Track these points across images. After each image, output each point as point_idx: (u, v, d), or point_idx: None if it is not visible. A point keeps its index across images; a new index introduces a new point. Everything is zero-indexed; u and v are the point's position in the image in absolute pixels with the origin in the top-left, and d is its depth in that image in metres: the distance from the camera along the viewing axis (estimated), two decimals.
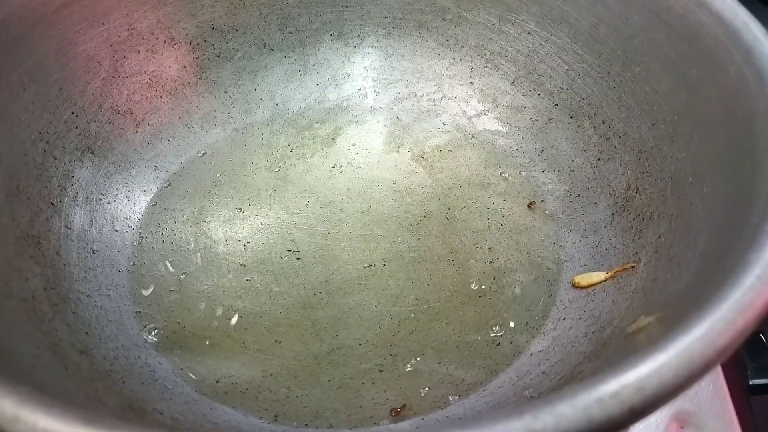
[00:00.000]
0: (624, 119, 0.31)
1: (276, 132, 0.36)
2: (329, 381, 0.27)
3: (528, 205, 0.32)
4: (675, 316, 0.20)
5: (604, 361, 0.23)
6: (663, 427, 0.29)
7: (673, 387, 0.15)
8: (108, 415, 0.15)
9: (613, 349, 0.23)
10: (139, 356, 0.26)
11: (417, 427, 0.24)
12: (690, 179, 0.26)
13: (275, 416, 0.25)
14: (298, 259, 0.31)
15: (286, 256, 0.31)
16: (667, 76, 0.29)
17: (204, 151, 0.35)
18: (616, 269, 0.27)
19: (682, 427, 0.30)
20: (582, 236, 0.30)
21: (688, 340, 0.16)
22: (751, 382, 0.32)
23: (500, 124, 0.36)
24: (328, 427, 0.25)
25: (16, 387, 0.16)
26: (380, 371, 0.27)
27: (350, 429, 0.25)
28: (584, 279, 0.28)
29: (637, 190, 0.29)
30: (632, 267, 0.27)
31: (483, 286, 0.30)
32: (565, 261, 0.30)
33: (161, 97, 0.35)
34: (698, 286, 0.21)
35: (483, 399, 0.25)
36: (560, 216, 0.32)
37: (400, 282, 0.30)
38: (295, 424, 0.25)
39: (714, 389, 0.31)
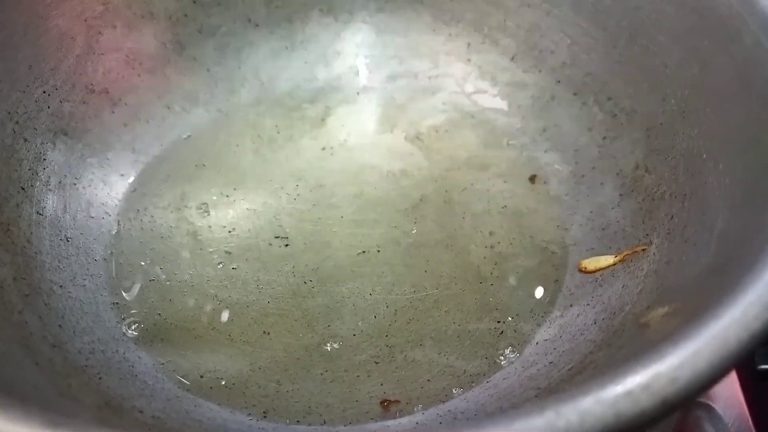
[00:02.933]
0: (631, 95, 0.29)
1: (262, 113, 0.34)
2: (322, 374, 0.25)
3: (529, 179, 0.30)
4: (694, 304, 0.19)
5: (618, 350, 0.21)
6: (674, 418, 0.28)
7: (708, 376, 0.13)
8: (78, 417, 0.14)
9: (627, 337, 0.22)
10: (117, 350, 0.25)
11: (417, 423, 0.23)
12: (704, 156, 0.25)
13: (264, 412, 0.24)
14: (286, 245, 0.29)
15: (274, 242, 0.29)
16: (677, 49, 0.27)
17: (186, 134, 0.33)
18: (625, 252, 0.26)
19: (690, 412, 0.29)
20: (588, 219, 0.29)
21: (721, 325, 0.14)
22: (759, 368, 0.31)
23: (500, 102, 0.34)
24: (321, 424, 0.23)
25: None
26: (376, 363, 0.25)
27: (345, 425, 0.23)
28: (591, 263, 0.27)
29: (647, 169, 0.27)
30: (643, 250, 0.25)
31: (484, 272, 0.28)
32: (570, 245, 0.28)
33: (139, 76, 0.33)
34: (721, 268, 0.19)
35: (487, 392, 0.24)
36: (564, 198, 0.30)
37: (396, 269, 0.29)
38: (286, 420, 0.23)
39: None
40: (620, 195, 0.28)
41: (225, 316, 0.27)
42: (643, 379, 0.13)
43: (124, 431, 0.13)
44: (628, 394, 0.13)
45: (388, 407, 0.24)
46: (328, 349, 0.26)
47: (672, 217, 0.25)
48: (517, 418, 0.13)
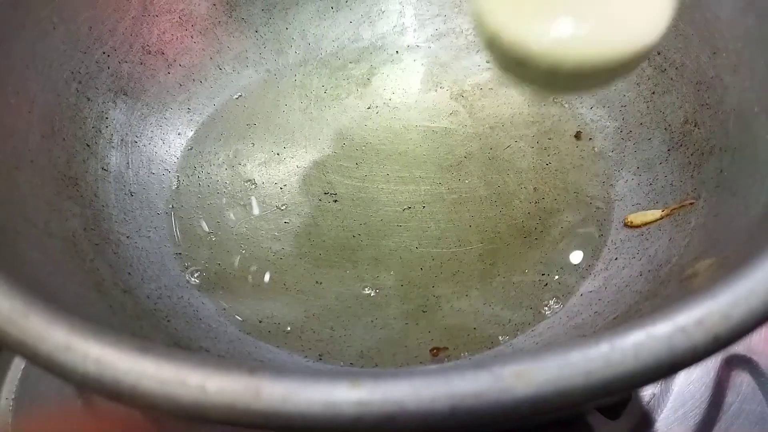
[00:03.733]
0: (681, 49, 0.29)
1: (309, 73, 0.35)
2: (372, 321, 0.26)
3: (575, 135, 0.30)
4: (743, 253, 0.19)
5: (664, 300, 0.22)
6: (715, 370, 0.28)
7: (761, 314, 0.14)
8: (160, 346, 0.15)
9: (673, 287, 0.22)
10: (182, 296, 0.26)
11: (470, 359, 0.24)
12: (756, 109, 0.24)
13: (320, 355, 0.25)
14: (335, 201, 0.30)
15: (323, 198, 0.30)
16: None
17: (237, 93, 0.34)
18: (673, 207, 0.26)
19: (732, 371, 0.29)
20: (635, 174, 0.29)
21: None
22: None
23: None
24: (373, 366, 0.25)
25: (67, 317, 0.15)
26: (423, 311, 0.27)
27: (396, 368, 0.25)
28: (638, 218, 0.27)
29: (696, 123, 0.27)
30: (691, 204, 0.25)
31: (528, 227, 0.29)
32: (616, 200, 0.29)
33: (192, 37, 0.33)
34: None
35: (532, 339, 0.25)
36: (610, 154, 0.30)
37: (441, 224, 0.29)
38: (341, 363, 0.25)
39: (765, 333, 0.30)
40: (668, 150, 0.28)
41: (279, 266, 0.28)
42: (696, 316, 0.14)
43: (197, 358, 0.14)
44: (682, 329, 0.13)
45: (437, 354, 0.25)
46: (378, 298, 0.27)
47: (721, 171, 0.25)
48: (574, 350, 0.13)
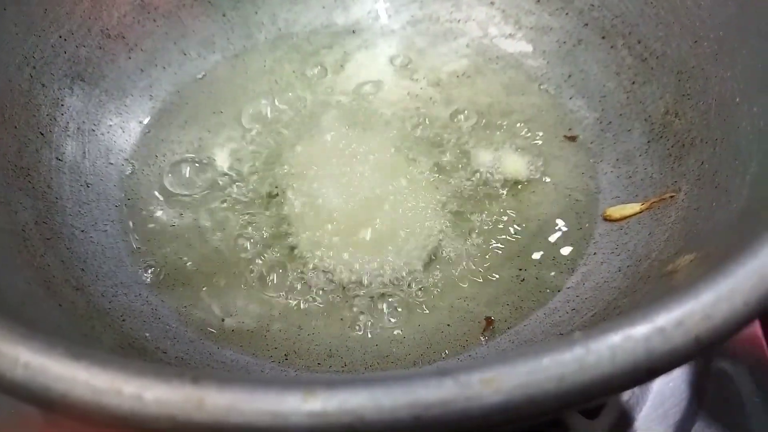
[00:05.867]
0: (662, 38, 0.28)
1: (279, 59, 0.34)
2: (342, 320, 0.25)
3: (569, 138, 0.29)
4: (725, 248, 0.18)
5: (643, 297, 0.21)
6: (694, 366, 0.28)
7: (743, 315, 0.13)
8: (99, 350, 0.14)
9: (653, 283, 0.21)
10: (140, 294, 0.25)
11: (437, 366, 0.23)
12: (737, 99, 0.24)
13: (286, 355, 0.24)
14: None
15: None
16: None
17: (202, 79, 0.33)
18: (653, 200, 0.25)
19: (712, 366, 0.28)
20: (614, 166, 0.28)
21: (759, 262, 0.14)
22: None
23: (524, 47, 0.33)
24: (342, 366, 0.23)
25: None
26: (398, 309, 0.25)
27: (365, 369, 0.24)
28: (617, 211, 0.26)
29: (677, 114, 0.27)
30: (671, 197, 0.25)
31: (505, 220, 0.28)
32: (595, 193, 0.28)
33: (154, 21, 0.32)
34: (754, 212, 0.19)
35: (508, 338, 0.24)
36: (590, 145, 0.29)
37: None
38: (308, 363, 0.23)
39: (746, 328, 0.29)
40: (648, 141, 0.27)
41: (245, 260, 0.27)
42: (676, 316, 0.13)
43: (138, 362, 0.13)
44: (660, 330, 0.12)
45: (490, 324, 0.24)
46: (350, 297, 0.26)
47: (702, 162, 0.24)
48: (546, 353, 0.12)
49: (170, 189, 0.29)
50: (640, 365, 0.12)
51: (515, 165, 0.29)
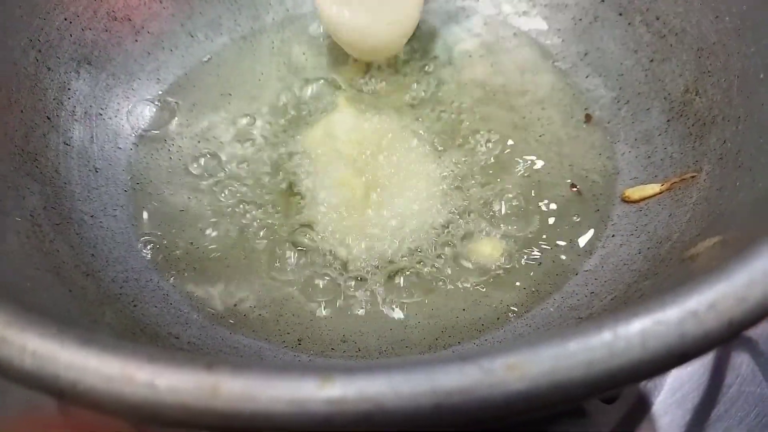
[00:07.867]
0: (681, 14, 0.27)
1: (288, 39, 0.33)
2: (354, 304, 0.25)
3: (584, 118, 0.29)
4: (751, 229, 0.17)
5: (665, 279, 0.20)
6: (713, 351, 0.27)
7: None
8: (109, 336, 0.13)
9: (674, 266, 0.21)
10: (151, 279, 0.24)
11: (453, 351, 0.23)
12: (761, 76, 0.23)
13: (299, 340, 0.23)
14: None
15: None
16: None
17: (210, 61, 0.32)
18: (673, 180, 0.24)
19: (731, 351, 0.28)
20: (632, 146, 0.27)
21: None
22: None
23: (539, 24, 0.32)
24: (356, 351, 0.23)
25: (4, 305, 0.14)
26: (413, 293, 0.25)
27: (380, 354, 0.23)
28: (636, 192, 0.25)
29: (697, 92, 0.26)
30: (692, 177, 0.24)
31: (520, 202, 0.27)
32: (613, 174, 0.27)
33: (161, 2, 0.31)
34: None
35: (525, 322, 0.23)
36: (607, 125, 0.28)
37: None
38: (321, 348, 0.23)
39: None
40: (668, 120, 0.26)
41: (257, 244, 0.26)
42: (708, 299, 0.12)
43: (150, 348, 0.12)
44: (693, 314, 0.12)
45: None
46: (363, 281, 0.25)
47: (724, 141, 0.23)
48: (572, 338, 0.12)
49: (179, 173, 0.28)
50: (673, 350, 0.12)
51: (530, 147, 0.29)
